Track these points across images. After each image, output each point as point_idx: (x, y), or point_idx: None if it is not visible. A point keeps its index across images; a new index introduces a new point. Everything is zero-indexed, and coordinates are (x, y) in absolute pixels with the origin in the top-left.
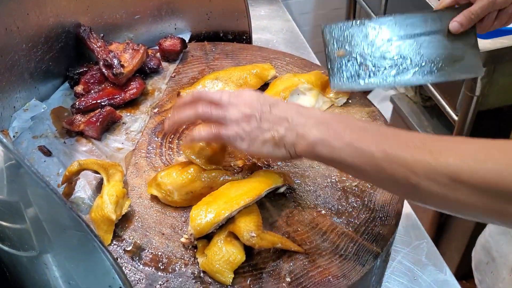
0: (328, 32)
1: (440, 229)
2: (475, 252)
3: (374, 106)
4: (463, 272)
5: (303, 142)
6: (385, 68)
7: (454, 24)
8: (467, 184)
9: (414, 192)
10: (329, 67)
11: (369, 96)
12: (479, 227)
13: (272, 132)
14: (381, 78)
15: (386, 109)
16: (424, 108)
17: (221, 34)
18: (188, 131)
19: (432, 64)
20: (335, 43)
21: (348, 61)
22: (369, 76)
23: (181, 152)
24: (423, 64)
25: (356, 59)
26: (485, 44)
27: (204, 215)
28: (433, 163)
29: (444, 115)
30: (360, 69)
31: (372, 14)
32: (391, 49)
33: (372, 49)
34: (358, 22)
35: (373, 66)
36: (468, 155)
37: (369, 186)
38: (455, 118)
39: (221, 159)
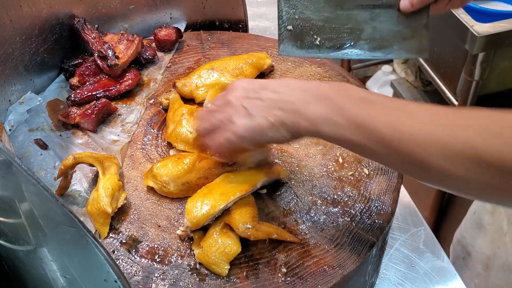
0: None
1: (441, 214)
2: (453, 248)
3: None
4: None
5: (304, 122)
6: (337, 38)
7: (405, 2)
8: (488, 164)
9: (427, 172)
10: (279, 32)
11: (369, 81)
12: None
13: (269, 117)
14: (330, 49)
15: (387, 94)
16: (425, 92)
17: (217, 23)
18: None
19: (383, 40)
20: (289, 8)
21: (300, 28)
22: (319, 45)
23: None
24: (374, 38)
25: (308, 27)
26: (485, 28)
27: (200, 207)
28: (448, 140)
29: (444, 100)
30: (311, 38)
31: None
32: (345, 18)
33: (325, 16)
34: None
35: (325, 35)
36: (486, 130)
37: (365, 175)
38: (455, 103)
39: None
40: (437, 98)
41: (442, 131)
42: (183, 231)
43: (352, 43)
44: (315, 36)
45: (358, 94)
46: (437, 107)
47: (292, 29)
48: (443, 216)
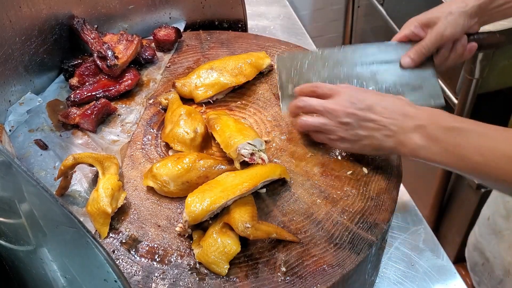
0: (279, 62)
1: (441, 212)
2: (469, 253)
3: None
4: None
5: (404, 149)
6: None
7: (406, 59)
8: None
9: None
10: (280, 94)
11: None
12: (480, 210)
13: (370, 139)
14: None
15: None
16: None
17: (216, 23)
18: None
19: (391, 89)
20: (286, 72)
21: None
22: None
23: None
24: (381, 89)
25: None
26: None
27: (200, 202)
28: None
29: (444, 98)
30: None
31: None
32: (342, 76)
33: (324, 76)
34: (311, 53)
35: None
36: None
37: (365, 175)
38: (455, 101)
39: (208, 145)
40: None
41: None
42: (181, 227)
43: None
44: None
45: (449, 123)
46: None
47: (292, 89)
48: (443, 215)
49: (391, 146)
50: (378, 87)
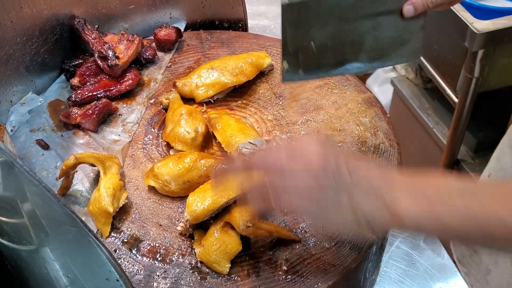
0: (286, 11)
1: None
2: (455, 244)
3: (370, 92)
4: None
5: (396, 224)
6: (339, 54)
7: (409, 8)
8: None
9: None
10: (283, 59)
11: (369, 79)
12: None
13: (355, 210)
14: (331, 67)
15: (387, 92)
16: (425, 90)
17: (217, 22)
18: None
19: (382, 49)
20: (292, 26)
21: (303, 53)
22: (321, 65)
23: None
24: (374, 48)
25: (314, 49)
26: (484, 25)
27: (201, 201)
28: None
29: (444, 97)
30: (314, 60)
31: None
32: (348, 31)
33: (329, 32)
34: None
35: (328, 54)
36: None
37: None
38: (455, 100)
39: (209, 145)
40: (437, 95)
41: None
42: (182, 226)
43: (353, 57)
44: (318, 57)
45: (442, 189)
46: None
47: (294, 55)
48: None
49: (382, 221)
50: (373, 45)
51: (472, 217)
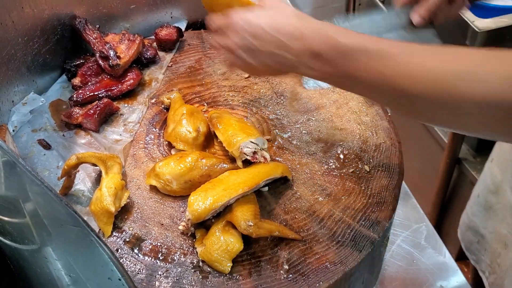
0: None
1: (443, 210)
2: (462, 234)
3: None
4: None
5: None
6: None
7: (417, 17)
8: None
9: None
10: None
11: None
12: None
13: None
14: None
15: None
16: None
17: None
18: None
19: None
20: None
21: None
22: None
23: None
24: None
25: None
26: (486, 23)
27: (202, 200)
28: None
29: None
30: None
31: None
32: None
33: None
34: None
35: None
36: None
37: (366, 172)
38: None
39: (210, 144)
40: None
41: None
42: (184, 225)
43: None
44: None
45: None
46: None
47: None
48: (445, 212)
49: (289, 70)
50: None
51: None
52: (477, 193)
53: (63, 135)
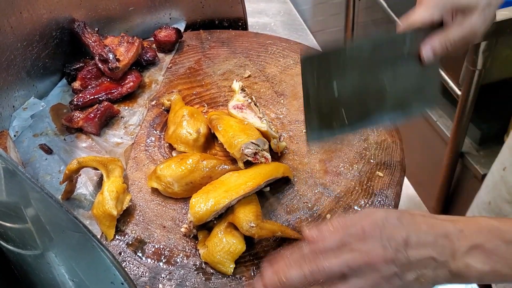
0: (306, 64)
1: (447, 204)
2: None
3: None
4: None
5: (462, 280)
6: (363, 106)
7: (429, 53)
8: None
9: None
10: (306, 118)
11: None
12: None
13: (419, 279)
14: (357, 121)
15: None
16: None
17: (217, 22)
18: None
19: (404, 98)
20: (313, 79)
21: (327, 110)
22: (346, 122)
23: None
24: (396, 97)
25: (337, 102)
26: None
27: (204, 202)
28: None
29: (447, 90)
30: (339, 117)
31: None
32: (370, 80)
33: (351, 84)
34: (336, 53)
35: (352, 109)
36: None
37: (368, 171)
38: (459, 92)
39: (211, 146)
40: (440, 88)
41: None
42: (186, 227)
43: (376, 109)
44: (342, 111)
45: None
46: None
47: (318, 113)
48: (449, 207)
49: (446, 279)
50: (397, 94)
51: None
52: (487, 200)
53: (64, 139)
